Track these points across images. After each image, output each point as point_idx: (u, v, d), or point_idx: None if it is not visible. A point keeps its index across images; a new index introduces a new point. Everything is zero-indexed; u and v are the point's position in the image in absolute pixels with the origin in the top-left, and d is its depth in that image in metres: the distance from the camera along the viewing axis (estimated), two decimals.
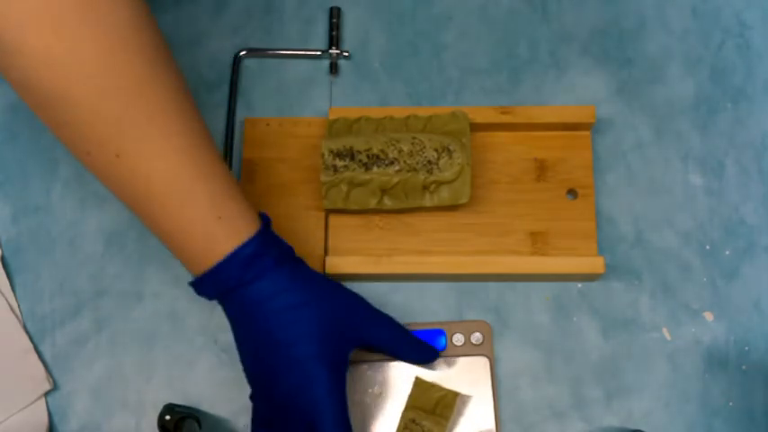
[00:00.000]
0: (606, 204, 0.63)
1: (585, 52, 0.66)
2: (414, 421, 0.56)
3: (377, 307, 0.60)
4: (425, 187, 0.59)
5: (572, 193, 0.62)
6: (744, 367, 0.60)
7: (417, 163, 0.58)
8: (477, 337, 0.59)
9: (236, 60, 0.67)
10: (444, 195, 0.59)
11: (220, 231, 0.49)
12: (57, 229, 0.63)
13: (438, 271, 0.59)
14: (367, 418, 0.58)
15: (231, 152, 0.64)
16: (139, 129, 0.46)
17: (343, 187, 0.59)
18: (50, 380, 0.60)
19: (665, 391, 0.59)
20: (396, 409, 0.58)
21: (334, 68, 0.66)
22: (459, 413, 0.58)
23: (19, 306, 0.62)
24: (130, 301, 0.62)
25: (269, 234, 0.51)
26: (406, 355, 0.57)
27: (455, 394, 0.57)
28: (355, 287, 0.61)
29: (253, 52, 0.67)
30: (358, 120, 0.61)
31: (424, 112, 0.62)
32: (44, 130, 0.48)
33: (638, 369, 0.60)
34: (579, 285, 0.61)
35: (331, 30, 0.66)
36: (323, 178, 0.59)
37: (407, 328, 0.59)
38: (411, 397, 0.57)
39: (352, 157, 0.59)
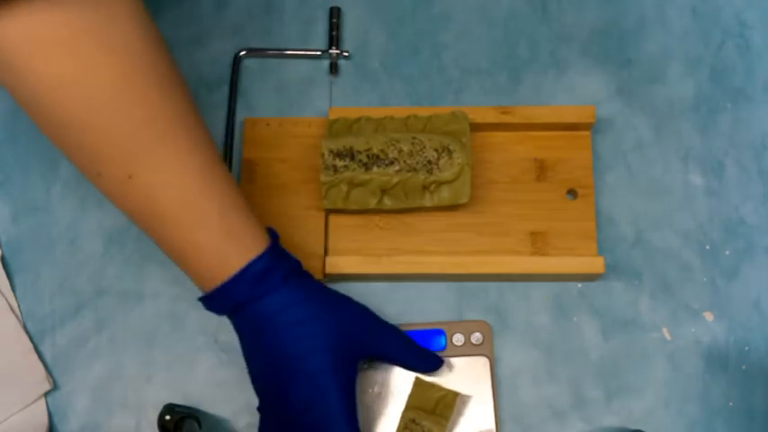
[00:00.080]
0: (606, 204, 0.63)
1: (585, 52, 0.66)
2: (414, 421, 0.56)
3: (377, 307, 0.60)
4: (425, 187, 0.59)
5: (572, 193, 0.62)
6: (744, 367, 0.60)
7: (417, 163, 0.58)
8: (477, 337, 0.59)
9: (236, 60, 0.67)
10: (444, 195, 0.59)
11: (231, 248, 0.49)
12: (57, 229, 0.63)
13: (438, 271, 0.59)
14: (367, 418, 0.58)
15: (231, 152, 0.64)
16: (151, 150, 0.46)
17: (343, 187, 0.59)
18: (50, 380, 0.60)
19: (665, 391, 0.59)
20: (396, 409, 0.58)
21: (334, 68, 0.66)
22: (459, 413, 0.58)
23: (19, 306, 0.62)
24: (130, 301, 0.62)
25: (278, 249, 0.51)
26: (412, 365, 0.58)
27: (455, 394, 0.57)
28: (355, 287, 0.61)
29: (253, 52, 0.67)
30: (358, 120, 0.61)
31: (424, 112, 0.62)
32: None
33: (638, 369, 0.60)
34: (579, 285, 0.61)
35: (331, 30, 0.66)
36: (323, 178, 0.59)
37: (407, 328, 0.59)
38: (411, 397, 0.57)
39: (352, 157, 0.59)
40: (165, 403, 0.57)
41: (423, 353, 0.58)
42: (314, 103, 0.66)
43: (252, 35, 0.67)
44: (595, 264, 0.59)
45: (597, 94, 0.65)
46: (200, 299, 0.52)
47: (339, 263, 0.60)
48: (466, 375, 0.58)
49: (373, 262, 0.60)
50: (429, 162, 0.58)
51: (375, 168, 0.58)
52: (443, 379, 0.58)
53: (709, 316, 0.61)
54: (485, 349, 0.59)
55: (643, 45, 0.66)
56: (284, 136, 0.63)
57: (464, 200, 0.59)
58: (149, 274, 0.62)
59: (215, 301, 0.51)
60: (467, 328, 0.60)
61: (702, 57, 0.66)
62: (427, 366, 0.58)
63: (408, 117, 0.61)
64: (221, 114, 0.65)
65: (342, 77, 0.67)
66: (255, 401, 0.53)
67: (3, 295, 0.61)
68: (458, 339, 0.59)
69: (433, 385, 0.57)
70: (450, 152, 0.58)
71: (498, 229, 0.61)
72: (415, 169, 0.58)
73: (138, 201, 0.48)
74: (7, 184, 0.64)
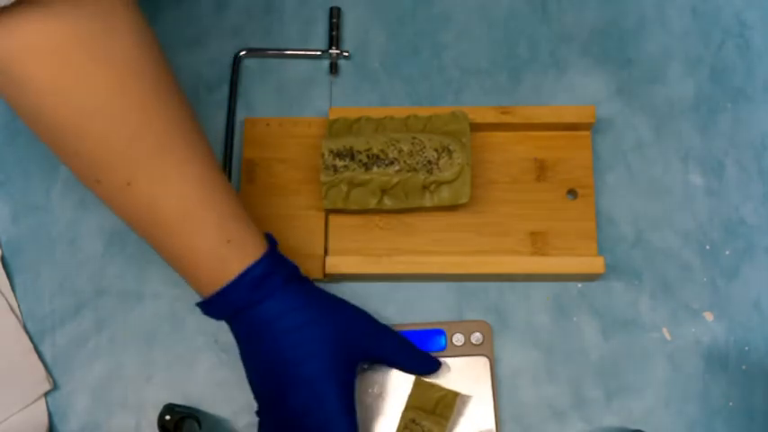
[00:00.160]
0: (606, 204, 0.63)
1: (585, 52, 0.66)
2: (414, 421, 0.56)
3: (377, 307, 0.60)
4: (425, 187, 0.59)
5: (572, 193, 0.62)
6: (744, 367, 0.60)
7: (417, 163, 0.58)
8: (477, 337, 0.59)
9: (236, 60, 0.67)
10: (444, 195, 0.59)
11: (229, 254, 0.49)
12: (57, 229, 0.63)
13: (438, 271, 0.59)
14: (367, 418, 0.58)
15: (231, 152, 0.64)
16: (149, 157, 0.46)
17: (343, 187, 0.59)
18: (50, 380, 0.60)
19: (665, 391, 0.59)
20: (396, 409, 0.58)
21: (334, 68, 0.66)
22: (459, 413, 0.58)
23: (19, 306, 0.62)
24: (130, 301, 0.62)
25: (276, 255, 0.51)
26: (409, 367, 0.58)
27: (455, 394, 0.57)
28: (355, 287, 0.61)
29: (253, 52, 0.67)
30: (358, 120, 0.61)
31: (424, 112, 0.62)
32: None
33: (638, 369, 0.60)
34: (579, 285, 0.61)
35: (331, 30, 0.66)
36: (323, 178, 0.59)
37: (407, 328, 0.59)
38: (411, 397, 0.57)
39: (352, 157, 0.59)
40: (165, 403, 0.57)
41: (420, 355, 0.58)
42: (314, 103, 0.66)
43: (252, 35, 0.67)
44: (595, 264, 0.59)
45: (597, 94, 0.65)
46: (199, 304, 0.52)
47: (339, 263, 0.60)
48: (466, 375, 0.58)
49: (373, 262, 0.60)
50: (429, 162, 0.58)
51: (375, 168, 0.58)
52: (443, 379, 0.58)
53: (709, 316, 0.61)
54: (485, 349, 0.59)
55: (643, 45, 0.66)
56: (284, 136, 0.63)
57: (464, 200, 0.59)
58: (149, 275, 0.62)
59: (213, 306, 0.51)
60: (467, 328, 0.60)
61: (702, 57, 0.66)
62: (425, 369, 0.58)
63: (408, 117, 0.61)
64: (221, 114, 0.65)
65: (342, 77, 0.67)
66: (254, 401, 0.53)
67: (3, 295, 0.61)
68: (458, 339, 0.59)
69: (432, 385, 0.57)
70: (450, 152, 0.58)
71: (498, 229, 0.61)
72: (415, 169, 0.58)
73: (137, 208, 0.48)
74: (7, 184, 0.64)
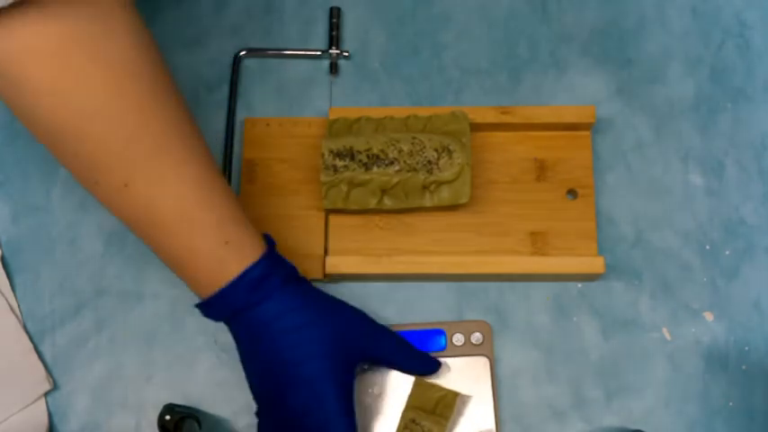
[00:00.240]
0: (606, 204, 0.63)
1: (585, 52, 0.66)
2: (414, 421, 0.56)
3: (377, 307, 0.60)
4: (425, 187, 0.59)
5: (572, 193, 0.62)
6: (744, 367, 0.60)
7: (417, 163, 0.58)
8: (477, 337, 0.59)
9: (236, 60, 0.67)
10: (444, 195, 0.59)
11: (228, 255, 0.49)
12: (57, 229, 0.63)
13: (438, 271, 0.59)
14: (367, 418, 0.58)
15: (231, 152, 0.64)
16: (146, 158, 0.46)
17: (343, 187, 0.59)
18: (50, 380, 0.60)
19: (665, 391, 0.59)
20: (396, 409, 0.58)
21: (334, 68, 0.66)
22: (459, 413, 0.58)
23: (19, 306, 0.62)
24: (130, 301, 0.62)
25: (275, 256, 0.51)
26: (408, 367, 0.58)
27: (455, 394, 0.57)
28: (355, 287, 0.61)
29: (253, 52, 0.67)
30: (358, 120, 0.61)
31: (424, 112, 0.62)
32: None
33: (638, 369, 0.60)
34: (579, 285, 0.61)
35: (331, 30, 0.66)
36: (323, 178, 0.59)
37: (407, 328, 0.59)
38: (411, 397, 0.57)
39: (352, 157, 0.59)
40: (165, 403, 0.57)
41: (419, 356, 0.58)
42: (314, 103, 0.66)
43: (252, 35, 0.67)
44: (595, 264, 0.59)
45: (597, 94, 0.65)
46: (198, 305, 0.52)
47: (339, 263, 0.60)
48: (466, 375, 0.58)
49: (373, 262, 0.60)
50: (429, 162, 0.58)
51: (375, 168, 0.58)
52: (443, 379, 0.58)
53: (709, 316, 0.61)
54: (485, 349, 0.59)
55: (643, 45, 0.66)
56: (284, 136, 0.63)
57: (464, 200, 0.59)
58: (149, 275, 0.62)
59: (212, 307, 0.51)
60: (467, 328, 0.60)
61: (702, 57, 0.66)
62: (424, 369, 0.58)
63: (408, 117, 0.61)
64: (221, 114, 0.65)
65: (342, 77, 0.67)
66: (254, 401, 0.53)
67: (3, 295, 0.61)
68: (458, 339, 0.59)
69: (432, 385, 0.57)
70: (450, 152, 0.58)
71: (498, 229, 0.61)
72: (415, 169, 0.58)
73: (135, 209, 0.48)
74: (7, 185, 0.64)
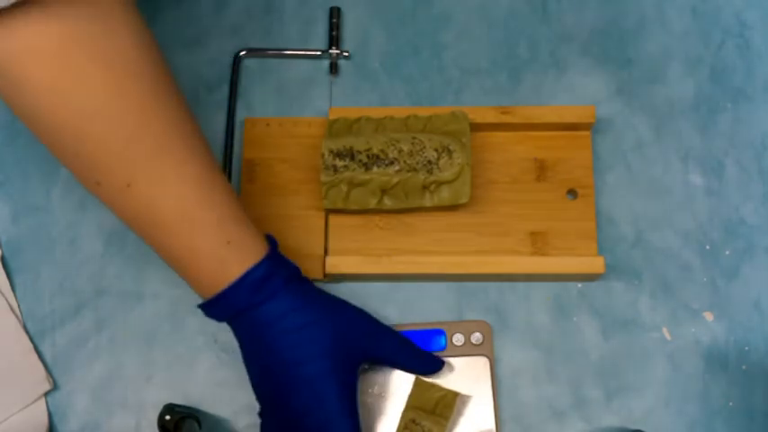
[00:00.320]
0: (606, 204, 0.63)
1: (585, 52, 0.66)
2: (414, 421, 0.56)
3: (377, 307, 0.60)
4: (425, 187, 0.59)
5: (572, 193, 0.62)
6: (744, 367, 0.60)
7: (417, 163, 0.58)
8: (477, 337, 0.59)
9: (236, 60, 0.67)
10: (444, 195, 0.59)
11: (230, 256, 0.49)
12: (57, 229, 0.63)
13: (438, 271, 0.59)
14: (367, 418, 0.58)
15: (231, 152, 0.64)
16: (148, 158, 0.46)
17: (343, 187, 0.59)
18: (50, 380, 0.60)
19: (665, 391, 0.59)
20: (396, 409, 0.58)
21: (334, 68, 0.66)
22: (459, 413, 0.58)
23: (19, 306, 0.62)
24: (130, 301, 0.62)
25: (277, 256, 0.51)
26: (411, 367, 0.58)
27: (455, 394, 0.57)
28: (355, 287, 0.61)
29: (253, 52, 0.67)
30: (358, 120, 0.61)
31: (424, 112, 0.62)
32: None
33: (638, 369, 0.60)
34: (579, 285, 0.61)
35: (331, 30, 0.66)
36: (323, 178, 0.59)
37: (408, 328, 0.59)
38: (411, 397, 0.57)
39: (352, 157, 0.59)
40: (165, 403, 0.57)
41: (422, 355, 0.58)
42: (314, 103, 0.66)
43: (252, 35, 0.67)
44: (595, 264, 0.59)
45: (597, 94, 0.65)
46: (200, 306, 0.52)
47: (339, 263, 0.60)
48: (466, 375, 0.58)
49: (373, 262, 0.60)
50: (429, 162, 0.58)
51: (375, 168, 0.58)
52: (443, 379, 0.58)
53: (709, 316, 0.61)
54: (485, 349, 0.59)
55: (643, 45, 0.66)
56: (284, 136, 0.63)
57: (464, 200, 0.59)
58: (149, 275, 0.62)
59: (214, 308, 0.51)
60: (467, 328, 0.60)
61: (702, 57, 0.66)
62: (427, 369, 0.58)
63: (408, 117, 0.61)
64: (221, 114, 0.65)
65: (342, 77, 0.67)
66: (255, 401, 0.53)
67: (3, 295, 0.61)
68: (458, 339, 0.59)
69: (432, 385, 0.57)
70: (450, 152, 0.58)
71: (498, 229, 0.61)
72: (415, 169, 0.58)
73: (137, 209, 0.48)
74: (7, 185, 0.64)
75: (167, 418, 0.55)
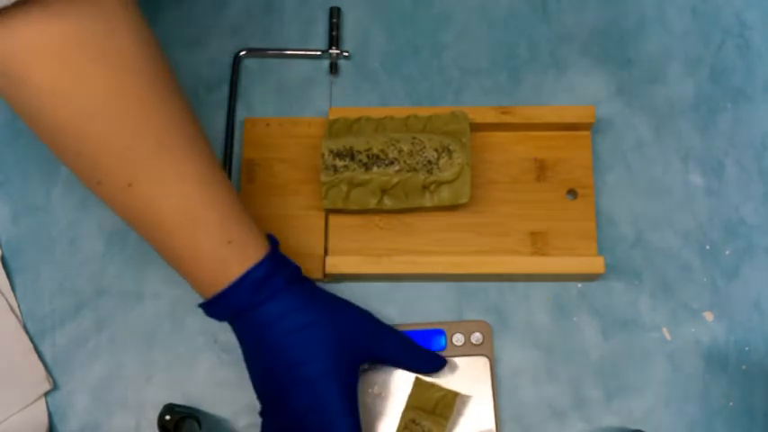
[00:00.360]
0: (606, 204, 0.63)
1: (585, 52, 0.66)
2: (414, 421, 0.56)
3: (377, 307, 0.60)
4: (425, 187, 0.59)
5: (572, 193, 0.62)
6: (744, 367, 0.60)
7: (417, 163, 0.58)
8: (477, 337, 0.59)
9: (236, 60, 0.67)
10: (444, 195, 0.59)
11: (231, 255, 0.49)
12: (57, 229, 0.63)
13: (438, 271, 0.59)
14: (367, 418, 0.58)
15: (231, 152, 0.64)
16: (149, 157, 0.46)
17: (343, 187, 0.59)
18: (50, 380, 0.60)
19: (665, 391, 0.59)
20: (396, 409, 0.58)
21: (334, 68, 0.66)
22: (459, 413, 0.58)
23: (19, 306, 0.62)
24: (130, 301, 0.62)
25: (278, 256, 0.51)
26: (414, 366, 0.58)
27: (455, 394, 0.57)
28: (355, 287, 0.61)
29: (253, 52, 0.67)
30: (358, 120, 0.61)
31: (424, 112, 0.62)
32: None
33: (638, 369, 0.60)
34: (579, 285, 0.61)
35: (331, 30, 0.66)
36: (323, 178, 0.59)
37: (407, 328, 0.59)
38: (411, 397, 0.57)
39: (352, 157, 0.59)
40: (165, 403, 0.57)
41: (425, 354, 0.58)
42: (314, 103, 0.66)
43: (252, 35, 0.67)
44: (595, 264, 0.59)
45: (597, 94, 0.65)
46: (201, 305, 0.52)
47: (339, 263, 0.60)
48: (466, 375, 0.58)
49: (373, 262, 0.60)
50: (429, 162, 0.58)
51: (375, 168, 0.58)
52: (443, 379, 0.58)
53: (709, 316, 0.61)
54: (485, 349, 0.59)
55: (643, 45, 0.66)
56: (284, 136, 0.63)
57: (464, 200, 0.59)
58: (149, 275, 0.62)
59: (215, 307, 0.51)
60: (467, 328, 0.60)
61: (702, 57, 0.66)
62: (430, 367, 0.58)
63: (408, 117, 0.61)
64: (221, 114, 0.65)
65: (342, 77, 0.67)
66: (256, 401, 0.53)
67: (3, 295, 0.61)
68: (458, 339, 0.59)
69: (432, 385, 0.57)
70: (450, 152, 0.58)
71: (498, 229, 0.61)
72: (415, 169, 0.58)
73: (138, 208, 0.48)
74: (7, 185, 0.64)
75: (167, 418, 0.55)
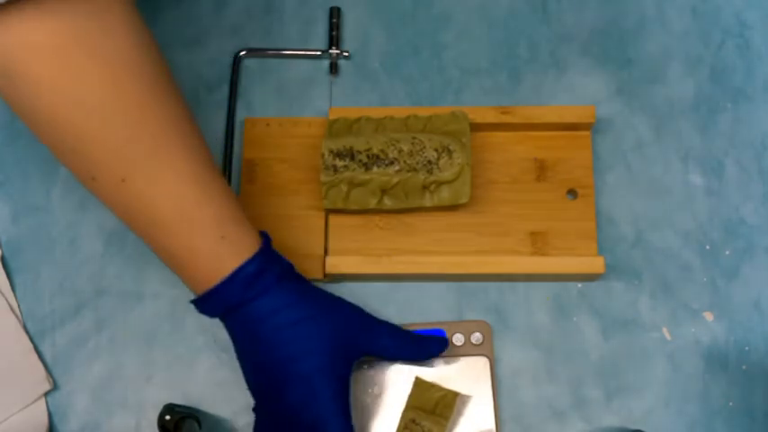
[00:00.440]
0: (606, 204, 0.63)
1: (585, 52, 0.66)
2: (414, 421, 0.56)
3: (377, 307, 0.60)
4: (425, 187, 0.59)
5: (572, 193, 0.62)
6: (744, 367, 0.60)
7: (417, 163, 0.58)
8: (477, 337, 0.59)
9: (236, 60, 0.67)
10: (444, 195, 0.59)
11: (224, 251, 0.49)
12: (57, 229, 0.63)
13: (438, 271, 0.59)
14: (367, 418, 0.58)
15: (231, 152, 0.64)
16: (144, 154, 0.46)
17: (343, 187, 0.59)
18: (50, 380, 0.60)
19: (665, 391, 0.59)
20: (396, 409, 0.58)
21: (334, 68, 0.66)
22: (459, 413, 0.58)
23: (19, 306, 0.62)
24: (130, 301, 0.62)
25: (270, 252, 0.51)
26: (411, 355, 0.57)
27: (455, 394, 0.57)
28: (355, 287, 0.61)
29: (253, 52, 0.67)
30: (358, 120, 0.61)
31: (424, 112, 0.62)
32: None
33: (638, 369, 0.60)
34: (579, 285, 0.61)
35: (331, 30, 0.66)
36: (323, 178, 0.59)
37: (408, 328, 0.59)
38: (411, 397, 0.57)
39: (352, 157, 0.59)
40: (165, 403, 0.57)
41: (421, 341, 0.57)
42: (314, 103, 0.66)
43: (252, 35, 0.67)
44: (595, 264, 0.59)
45: (597, 94, 0.65)
46: (193, 301, 0.52)
47: (339, 263, 0.60)
48: (466, 375, 0.58)
49: (373, 262, 0.60)
50: (429, 162, 0.58)
51: (375, 168, 0.58)
52: (443, 379, 0.58)
53: (709, 316, 0.61)
54: (485, 349, 0.59)
55: (643, 45, 0.66)
56: (284, 136, 0.63)
57: (464, 200, 0.59)
58: (149, 275, 0.62)
59: (207, 303, 0.51)
60: (467, 328, 0.60)
61: (702, 57, 0.66)
62: (430, 352, 0.57)
63: (408, 117, 0.61)
64: (221, 114, 0.65)
65: (342, 77, 0.67)
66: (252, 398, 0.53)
67: (3, 295, 0.61)
68: (458, 339, 0.59)
69: (432, 385, 0.57)
70: (450, 152, 0.58)
71: (498, 229, 0.61)
72: (415, 169, 0.58)
73: (132, 206, 0.48)
74: (7, 185, 0.64)
75: (167, 418, 0.55)
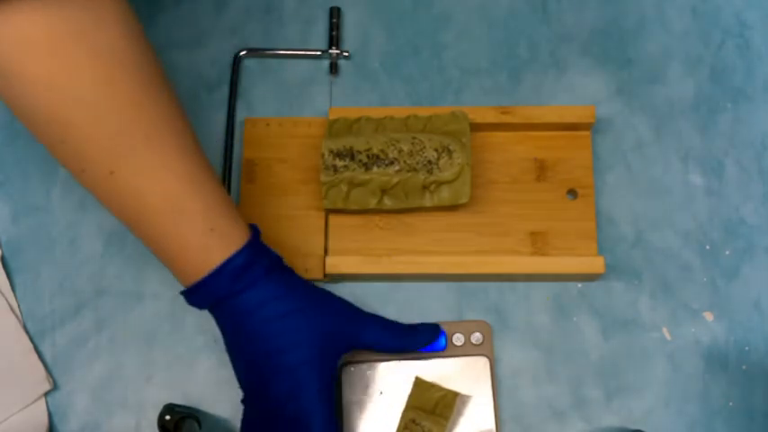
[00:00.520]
0: (606, 204, 0.63)
1: (585, 52, 0.66)
2: (414, 421, 0.56)
3: (377, 307, 0.60)
4: (425, 187, 0.59)
5: (572, 193, 0.62)
6: (744, 367, 0.60)
7: (417, 163, 0.58)
8: (477, 337, 0.59)
9: (236, 60, 0.67)
10: (444, 195, 0.59)
11: (212, 243, 0.49)
12: (57, 229, 0.63)
13: (438, 271, 0.59)
14: (367, 418, 0.58)
15: (231, 152, 0.64)
16: (134, 148, 0.47)
17: (343, 187, 0.59)
18: (50, 380, 0.60)
19: (665, 391, 0.59)
20: (396, 409, 0.58)
21: (334, 68, 0.66)
22: (459, 413, 0.58)
23: (19, 306, 0.62)
24: (130, 301, 0.62)
25: (259, 244, 0.51)
26: (403, 347, 0.57)
27: (455, 394, 0.57)
28: (355, 287, 0.61)
29: (253, 52, 0.67)
30: (358, 120, 0.61)
31: (424, 112, 0.62)
32: None
33: (638, 369, 0.60)
34: (579, 285, 0.61)
35: (331, 30, 0.66)
36: (323, 178, 0.59)
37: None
38: (411, 397, 0.57)
39: (352, 157, 0.59)
40: (165, 403, 0.57)
41: (412, 330, 0.57)
42: (314, 103, 0.66)
43: (252, 35, 0.67)
44: (595, 264, 0.59)
45: (597, 94, 0.65)
46: (182, 293, 0.52)
47: (339, 263, 0.60)
48: (466, 375, 0.58)
49: (373, 262, 0.60)
50: (429, 162, 0.58)
51: (375, 168, 0.58)
52: (443, 379, 0.58)
53: (709, 316, 0.61)
54: (485, 349, 0.59)
55: (643, 45, 0.66)
56: (284, 136, 0.63)
57: (464, 200, 0.59)
58: (149, 275, 0.62)
59: (195, 295, 0.51)
60: (467, 328, 0.60)
61: (702, 57, 0.66)
62: (423, 340, 0.57)
63: (408, 117, 0.61)
64: (221, 114, 0.65)
65: (342, 77, 0.67)
66: (241, 390, 0.53)
67: (3, 295, 0.61)
68: (458, 339, 0.59)
69: (432, 385, 0.57)
70: (450, 152, 0.58)
71: (498, 229, 0.61)
72: (415, 169, 0.58)
73: (121, 197, 0.48)
74: (7, 185, 0.64)
75: (167, 418, 0.55)
